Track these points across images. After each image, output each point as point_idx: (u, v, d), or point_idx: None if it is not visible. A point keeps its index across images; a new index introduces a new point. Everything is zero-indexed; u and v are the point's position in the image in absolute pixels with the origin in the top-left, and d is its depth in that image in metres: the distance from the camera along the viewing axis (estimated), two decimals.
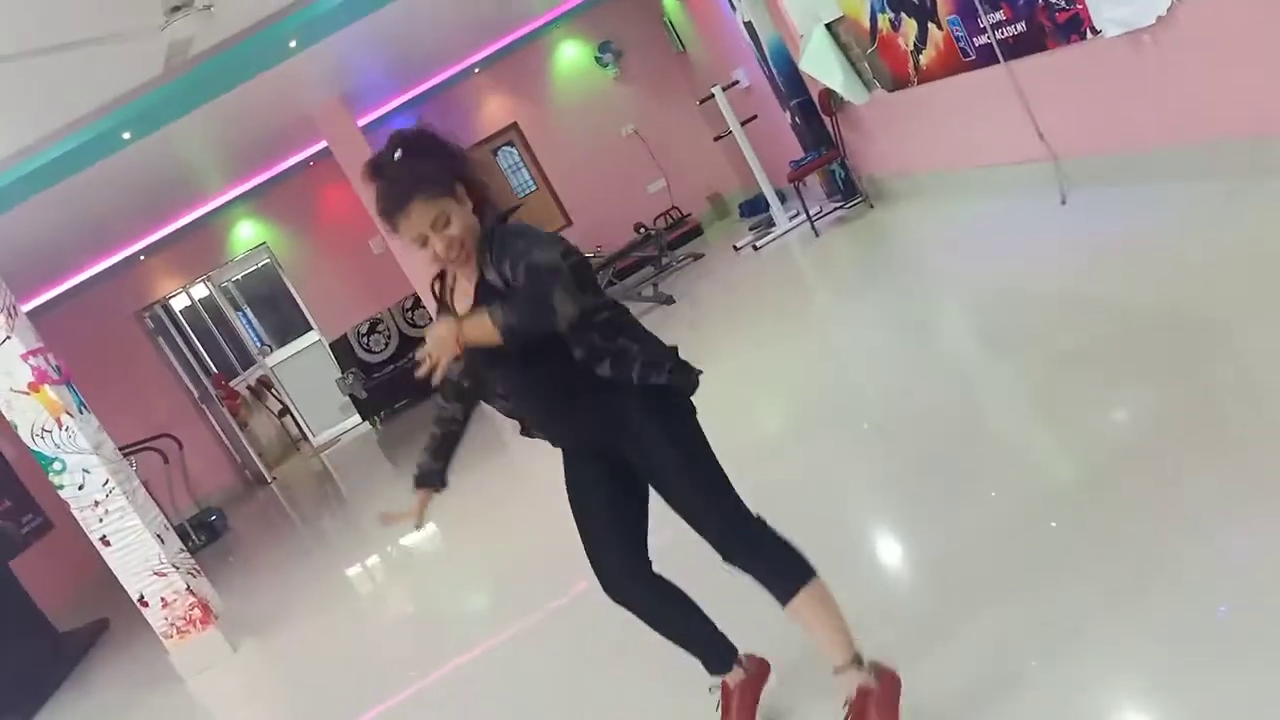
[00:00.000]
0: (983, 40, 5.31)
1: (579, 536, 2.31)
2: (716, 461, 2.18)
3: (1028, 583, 2.51)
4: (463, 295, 2.17)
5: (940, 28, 5.68)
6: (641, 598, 2.31)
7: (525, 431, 2.37)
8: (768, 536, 2.14)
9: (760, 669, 2.41)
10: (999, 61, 5.23)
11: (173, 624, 5.37)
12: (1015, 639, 2.34)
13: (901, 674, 2.17)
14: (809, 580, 2.12)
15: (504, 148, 11.24)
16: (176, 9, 3.33)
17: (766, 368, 5.61)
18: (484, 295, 2.08)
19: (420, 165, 2.04)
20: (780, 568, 2.13)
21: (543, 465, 2.46)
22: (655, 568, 2.32)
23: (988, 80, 5.46)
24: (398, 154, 2.05)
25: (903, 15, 6.01)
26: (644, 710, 2.87)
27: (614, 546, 2.27)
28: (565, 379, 2.11)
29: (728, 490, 2.16)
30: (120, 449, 8.59)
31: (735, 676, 2.37)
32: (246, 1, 4.84)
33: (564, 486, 2.33)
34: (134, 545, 5.28)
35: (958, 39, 5.56)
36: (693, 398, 2.23)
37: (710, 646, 2.36)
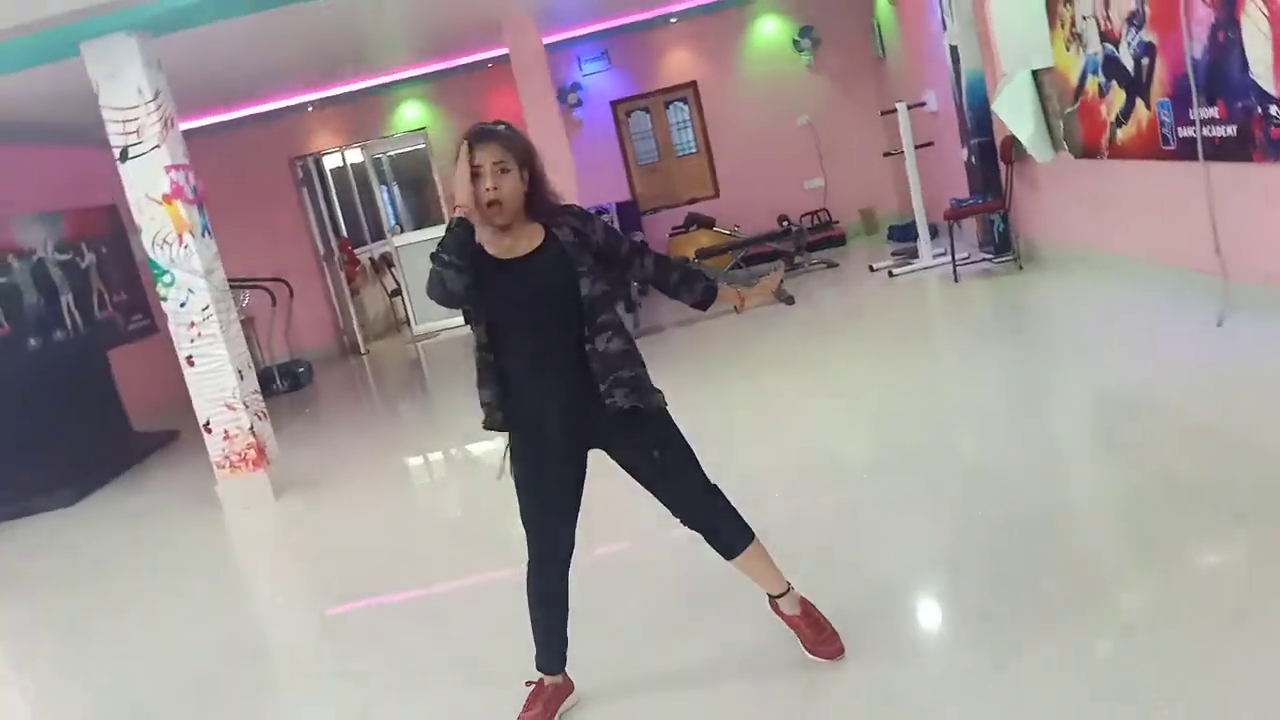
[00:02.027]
0: (1188, 133, 4.99)
1: (530, 517, 2.59)
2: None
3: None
4: (504, 245, 2.48)
5: (1148, 107, 5.36)
6: (560, 585, 2.64)
7: (495, 410, 2.55)
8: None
9: (569, 686, 2.75)
10: (1198, 159, 4.91)
11: (228, 456, 5.57)
12: None
13: None
14: (754, 539, 2.65)
15: (676, 103, 11.17)
16: None
17: (859, 391, 5.46)
18: (550, 248, 2.47)
19: (515, 134, 2.50)
20: (735, 522, 2.64)
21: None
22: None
23: (1181, 175, 5.14)
24: (502, 125, 2.51)
25: (1114, 84, 5.69)
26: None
27: (567, 537, 2.61)
28: (579, 354, 2.48)
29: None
30: (236, 280, 8.95)
31: (554, 680, 2.72)
32: None
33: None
34: (214, 373, 5.48)
35: (1162, 124, 5.24)
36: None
37: (559, 644, 2.70)
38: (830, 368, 6.07)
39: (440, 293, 2.38)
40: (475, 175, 2.41)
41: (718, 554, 2.65)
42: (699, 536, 2.65)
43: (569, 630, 2.70)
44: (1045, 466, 3.90)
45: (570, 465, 2.58)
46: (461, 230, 2.38)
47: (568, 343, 2.47)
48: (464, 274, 2.36)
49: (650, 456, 2.57)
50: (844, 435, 4.86)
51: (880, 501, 3.87)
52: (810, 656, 2.67)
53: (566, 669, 2.74)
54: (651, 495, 2.64)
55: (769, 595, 2.72)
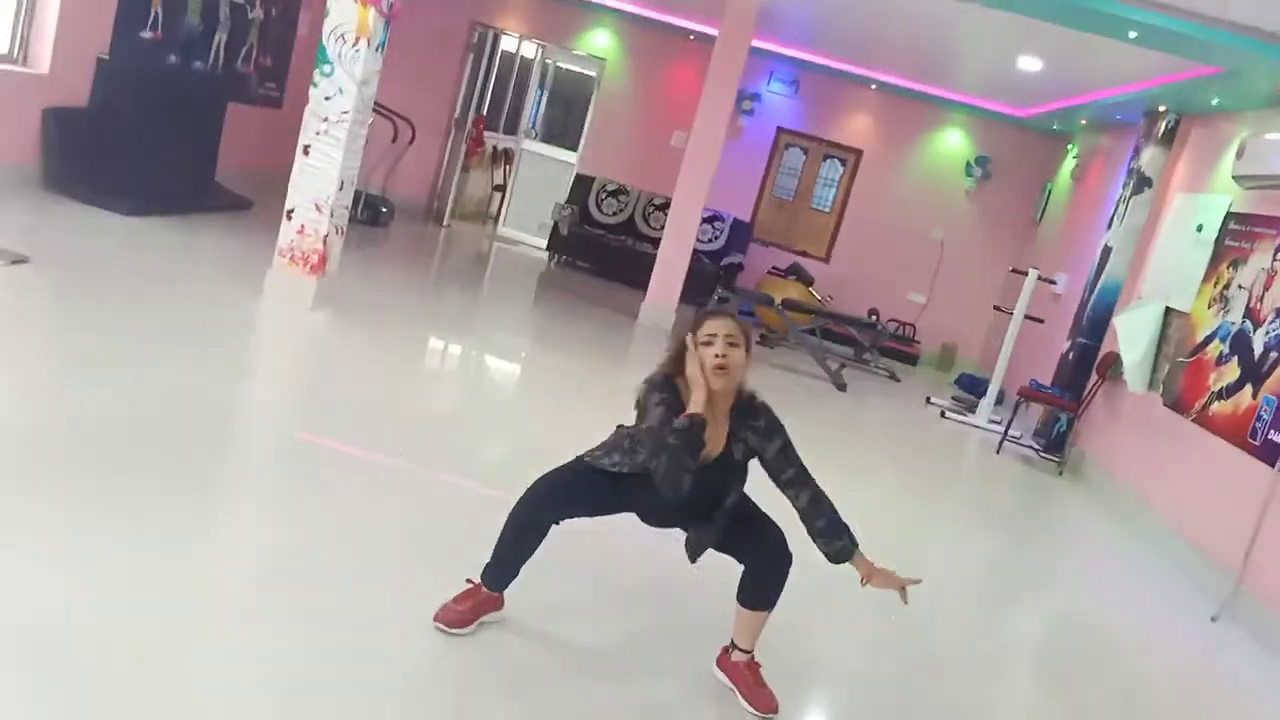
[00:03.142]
0: (1278, 438, 4.99)
1: (570, 472, 2.80)
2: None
3: None
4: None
5: (1254, 396, 5.37)
6: (541, 524, 2.78)
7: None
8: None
9: (500, 603, 2.87)
10: (1273, 467, 4.93)
11: (292, 250, 5.70)
12: None
13: None
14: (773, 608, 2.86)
15: (834, 159, 11.21)
16: None
17: (850, 501, 5.49)
18: (724, 462, 2.71)
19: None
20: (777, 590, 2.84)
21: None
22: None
23: (1250, 472, 5.15)
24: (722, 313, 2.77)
25: (1235, 358, 5.70)
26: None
27: (572, 503, 2.80)
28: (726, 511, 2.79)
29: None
30: (378, 105, 9.10)
31: (488, 594, 2.84)
32: None
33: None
34: (320, 171, 5.60)
35: (1259, 418, 5.24)
36: None
37: (511, 573, 2.83)
38: (839, 463, 6.12)
39: (672, 487, 2.57)
40: (706, 344, 2.64)
41: (737, 589, 2.85)
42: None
43: (525, 570, 2.82)
44: (972, 656, 3.94)
45: (630, 509, 2.85)
46: (699, 433, 2.57)
47: (700, 512, 2.78)
48: (692, 477, 2.58)
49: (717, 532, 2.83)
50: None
51: (802, 612, 3.85)
52: (747, 708, 2.79)
53: (505, 592, 2.86)
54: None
55: (732, 642, 2.88)
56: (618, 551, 3.64)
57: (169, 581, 2.69)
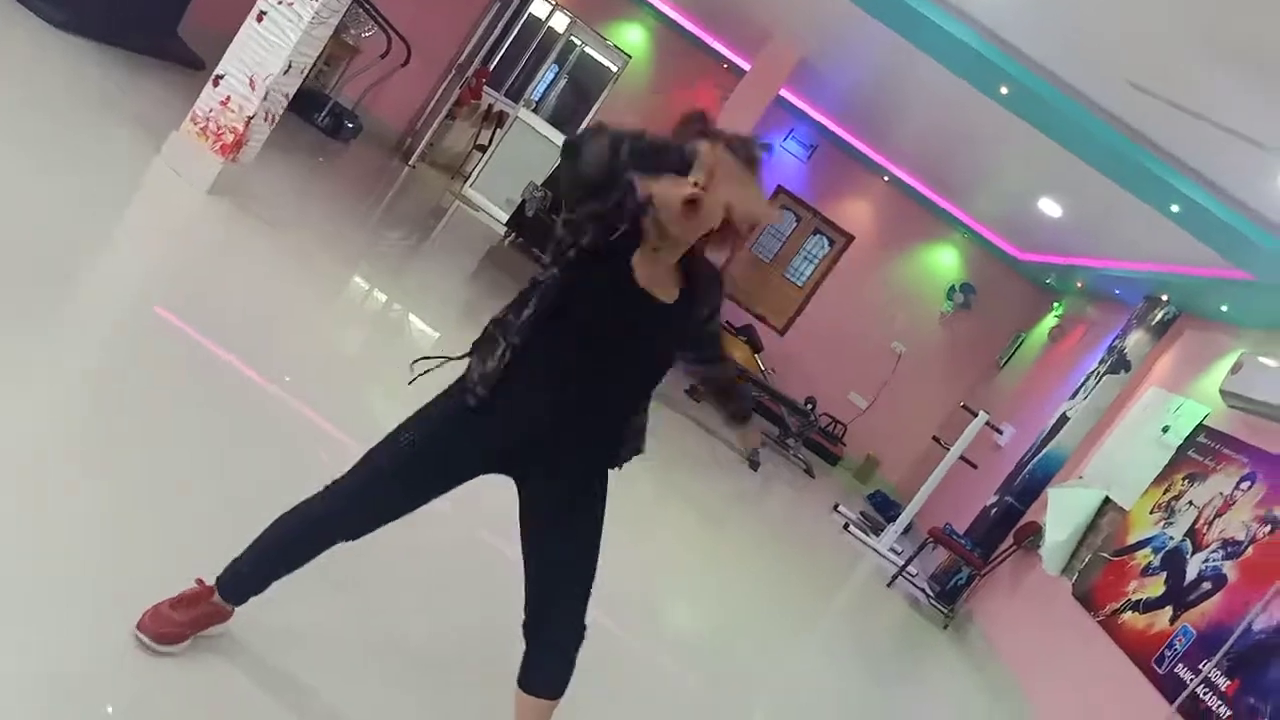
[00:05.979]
0: (1186, 675, 4.53)
1: (387, 465, 2.07)
2: None
3: None
4: (652, 277, 2.02)
5: (1171, 622, 4.91)
6: (323, 544, 2.13)
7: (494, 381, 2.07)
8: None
9: (228, 615, 2.20)
10: (1170, 703, 4.47)
11: (208, 121, 4.95)
12: None
13: None
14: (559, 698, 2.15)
15: (822, 236, 10.74)
16: None
17: (713, 585, 4.94)
18: (677, 313, 2.06)
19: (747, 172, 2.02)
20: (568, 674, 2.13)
21: None
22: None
23: (1145, 699, 4.69)
24: (764, 159, 2.07)
25: (1163, 574, 5.25)
26: None
27: (389, 516, 2.12)
28: (627, 408, 2.12)
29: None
30: (377, 12, 8.37)
31: (219, 603, 2.16)
32: None
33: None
34: (267, 46, 4.88)
35: (1170, 645, 4.78)
36: None
37: (254, 587, 2.18)
38: (721, 542, 5.55)
39: (584, 161, 1.83)
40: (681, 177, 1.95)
41: (519, 672, 2.13)
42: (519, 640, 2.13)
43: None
44: None
45: (489, 468, 2.11)
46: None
47: (611, 391, 2.07)
48: (618, 181, 1.85)
49: (570, 505, 2.10)
50: (661, 604, 4.35)
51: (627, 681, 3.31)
52: None
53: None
54: (524, 574, 2.12)
55: None
56: (407, 581, 2.99)
57: None
